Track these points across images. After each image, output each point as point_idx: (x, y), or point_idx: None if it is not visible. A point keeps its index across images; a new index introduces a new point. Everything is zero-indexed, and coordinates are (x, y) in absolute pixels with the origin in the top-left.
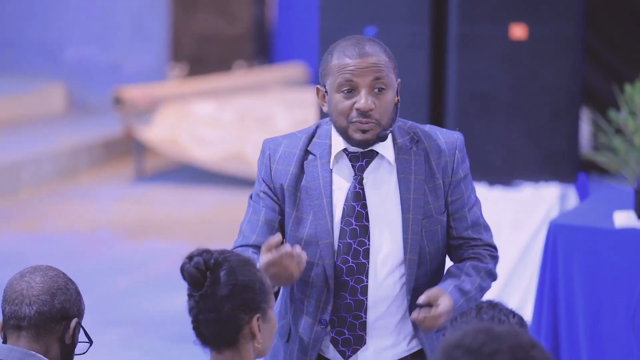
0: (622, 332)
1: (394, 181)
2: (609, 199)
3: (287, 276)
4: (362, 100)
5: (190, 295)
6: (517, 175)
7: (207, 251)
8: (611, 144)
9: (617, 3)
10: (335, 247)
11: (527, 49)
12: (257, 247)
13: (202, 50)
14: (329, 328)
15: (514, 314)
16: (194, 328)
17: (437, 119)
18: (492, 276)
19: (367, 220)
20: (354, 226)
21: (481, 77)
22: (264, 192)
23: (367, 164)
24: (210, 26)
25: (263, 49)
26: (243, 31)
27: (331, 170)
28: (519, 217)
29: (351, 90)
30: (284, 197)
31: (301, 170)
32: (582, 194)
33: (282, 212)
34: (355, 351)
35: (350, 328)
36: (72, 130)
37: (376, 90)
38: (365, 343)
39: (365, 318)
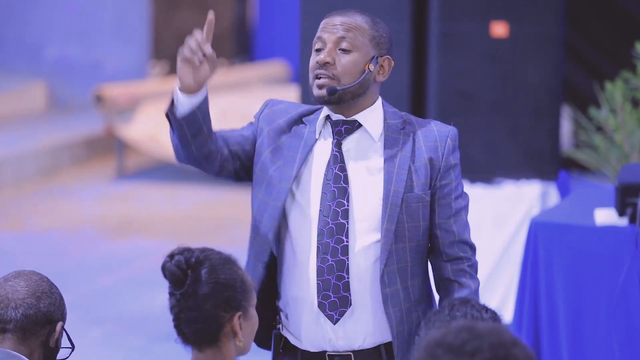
0: (603, 330)
1: (378, 156)
2: (589, 196)
3: (197, 76)
4: (323, 53)
5: (171, 294)
6: (499, 172)
7: (188, 249)
8: (592, 141)
9: (598, 1)
10: (296, 199)
11: (509, 46)
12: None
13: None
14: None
15: (486, 309)
16: (175, 326)
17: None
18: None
19: (346, 182)
20: (332, 188)
21: (462, 75)
22: (250, 123)
23: (347, 131)
24: (191, 24)
25: (244, 47)
26: (224, 29)
27: (317, 139)
28: (500, 215)
29: (320, 49)
30: (262, 138)
31: (289, 128)
32: (563, 192)
33: (252, 146)
34: (342, 314)
35: (335, 290)
36: (53, 129)
37: (340, 50)
38: (350, 304)
39: (348, 278)
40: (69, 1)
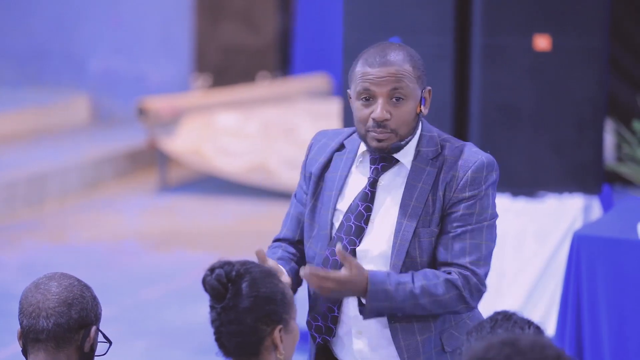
0: None
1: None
2: (632, 210)
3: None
4: (378, 110)
5: (212, 307)
6: (541, 186)
7: (229, 263)
8: (635, 155)
9: None
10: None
11: (552, 60)
12: (285, 241)
13: (226, 61)
14: None
15: (530, 323)
16: (216, 339)
17: (461, 131)
18: (456, 289)
19: (366, 223)
20: (351, 223)
21: (505, 89)
22: (299, 185)
23: (384, 168)
24: (235, 37)
25: (287, 60)
26: (267, 42)
27: (351, 165)
28: (543, 229)
29: (369, 98)
30: (310, 184)
31: (330, 160)
32: (606, 205)
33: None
34: (324, 340)
35: (324, 318)
36: (96, 141)
37: (394, 99)
38: (334, 335)
39: (337, 313)
40: (114, 15)
